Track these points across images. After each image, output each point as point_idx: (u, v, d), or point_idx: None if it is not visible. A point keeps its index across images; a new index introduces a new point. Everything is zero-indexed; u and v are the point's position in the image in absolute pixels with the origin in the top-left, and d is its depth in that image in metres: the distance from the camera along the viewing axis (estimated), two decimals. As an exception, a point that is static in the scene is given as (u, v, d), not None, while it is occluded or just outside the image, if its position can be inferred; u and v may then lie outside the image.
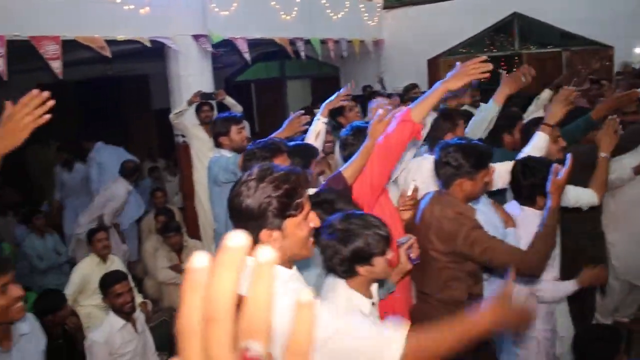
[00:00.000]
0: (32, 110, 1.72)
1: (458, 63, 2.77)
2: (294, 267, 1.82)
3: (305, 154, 3.18)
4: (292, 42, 8.03)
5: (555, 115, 3.36)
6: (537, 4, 9.01)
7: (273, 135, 3.74)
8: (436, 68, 9.80)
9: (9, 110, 1.75)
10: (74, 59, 6.12)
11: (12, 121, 1.71)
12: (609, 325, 4.17)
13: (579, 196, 3.35)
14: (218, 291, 0.45)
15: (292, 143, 3.27)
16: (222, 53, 7.36)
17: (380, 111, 2.75)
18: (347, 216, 2.15)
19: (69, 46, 5.06)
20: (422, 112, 2.74)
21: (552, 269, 3.03)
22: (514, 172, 3.09)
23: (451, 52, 9.89)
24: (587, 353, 2.71)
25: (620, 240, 4.24)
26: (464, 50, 10.02)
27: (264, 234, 1.69)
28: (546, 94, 4.99)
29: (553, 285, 3.04)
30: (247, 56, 7.13)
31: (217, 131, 4.48)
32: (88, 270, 4.85)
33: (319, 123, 3.83)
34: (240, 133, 4.40)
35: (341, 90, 3.99)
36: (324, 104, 3.93)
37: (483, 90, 5.50)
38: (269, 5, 7.69)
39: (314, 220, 1.79)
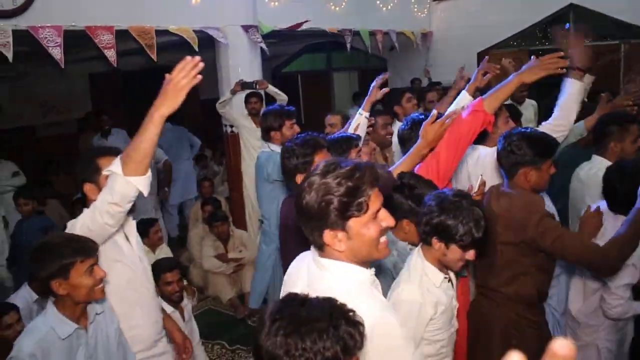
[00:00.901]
0: (187, 73, 1.96)
1: (533, 57, 2.74)
2: (372, 269, 1.73)
3: (342, 145, 3.15)
4: (341, 33, 7.97)
5: (582, 60, 3.20)
6: (594, -5, 8.70)
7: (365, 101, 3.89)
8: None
9: (168, 78, 2.01)
10: (125, 49, 6.21)
11: (170, 85, 1.97)
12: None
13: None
14: None
15: (331, 137, 3.23)
16: (270, 44, 7.36)
17: (435, 111, 2.72)
18: (462, 195, 2.22)
19: (120, 36, 5.13)
20: (495, 102, 2.75)
21: (627, 277, 2.81)
22: (608, 176, 2.94)
23: (501, 45, 9.65)
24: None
25: None
26: (514, 44, 9.76)
27: (327, 234, 1.61)
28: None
29: (623, 305, 2.83)
30: (305, 24, 7.00)
31: (269, 125, 4.42)
32: None
33: (360, 117, 3.81)
34: (292, 128, 4.36)
35: (374, 83, 3.92)
36: (364, 99, 3.90)
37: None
38: (318, -4, 7.65)
39: (386, 220, 1.66)
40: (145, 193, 2.13)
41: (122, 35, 5.19)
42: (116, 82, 10.39)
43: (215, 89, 6.74)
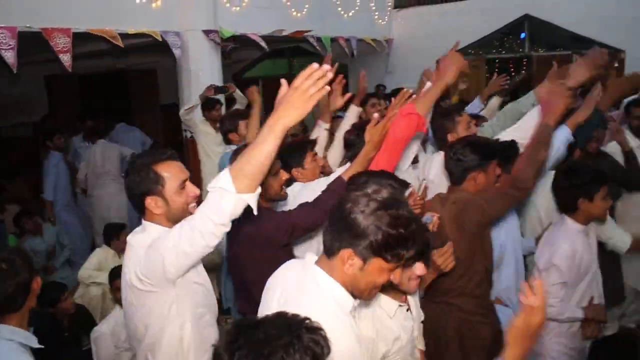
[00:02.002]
0: (315, 82, 1.74)
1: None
2: (357, 301, 1.73)
3: (297, 149, 3.20)
4: (303, 39, 8.01)
5: (577, 76, 3.17)
6: (548, 6, 8.95)
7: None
8: (445, 68, 9.73)
9: (285, 86, 1.81)
10: (82, 52, 6.11)
11: (297, 93, 1.74)
12: (624, 336, 4.13)
13: (614, 236, 3.32)
14: None
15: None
16: (231, 49, 7.34)
17: (376, 115, 2.78)
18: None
19: (77, 39, 5.04)
20: (425, 105, 2.93)
21: (554, 276, 2.87)
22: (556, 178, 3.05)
23: (463, 53, 9.84)
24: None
25: None
26: (472, 52, 9.97)
27: (346, 252, 1.61)
28: (495, 100, 5.03)
29: (557, 304, 2.88)
30: (263, 44, 7.06)
31: (227, 128, 4.62)
32: (103, 257, 4.85)
33: (320, 130, 3.90)
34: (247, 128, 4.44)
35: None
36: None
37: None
38: (279, 2, 7.66)
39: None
40: (256, 211, 1.86)
41: (80, 38, 5.11)
42: (73, 84, 10.18)
43: (175, 94, 6.69)
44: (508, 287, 3.09)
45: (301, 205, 2.70)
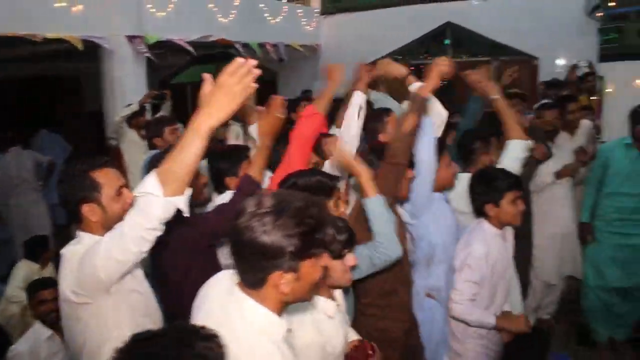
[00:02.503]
0: (241, 78, 1.58)
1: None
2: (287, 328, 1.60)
3: (232, 157, 3.15)
4: (231, 44, 7.99)
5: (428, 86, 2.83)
6: (468, 15, 9.34)
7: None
8: (372, 74, 9.93)
9: (210, 83, 1.64)
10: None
11: (222, 91, 1.59)
12: (537, 327, 4.31)
13: (508, 152, 3.26)
14: None
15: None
16: (158, 54, 7.23)
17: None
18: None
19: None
20: (323, 103, 3.31)
21: (466, 274, 2.90)
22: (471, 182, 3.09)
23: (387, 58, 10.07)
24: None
25: (539, 241, 4.42)
26: (399, 57, 10.22)
27: (274, 276, 1.46)
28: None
29: (464, 303, 2.87)
30: (191, 49, 7.03)
31: (152, 133, 4.55)
32: (29, 272, 4.65)
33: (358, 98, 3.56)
34: (173, 133, 4.42)
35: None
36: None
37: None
38: (206, 7, 7.62)
39: (350, 260, 1.75)
40: (187, 212, 1.81)
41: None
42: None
43: (100, 100, 6.53)
44: (438, 286, 3.11)
45: (219, 209, 2.68)
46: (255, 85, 1.62)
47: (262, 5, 8.87)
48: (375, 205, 2.46)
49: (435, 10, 9.64)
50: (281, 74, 10.89)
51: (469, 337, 2.96)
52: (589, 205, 4.33)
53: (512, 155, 3.18)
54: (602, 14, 4.50)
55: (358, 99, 3.40)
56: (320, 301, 2.04)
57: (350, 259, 2.09)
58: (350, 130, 3.36)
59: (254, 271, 1.49)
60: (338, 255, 2.04)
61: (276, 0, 9.55)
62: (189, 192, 1.77)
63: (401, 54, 10.16)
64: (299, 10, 9.90)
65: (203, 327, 1.29)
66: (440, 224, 3.04)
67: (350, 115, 3.40)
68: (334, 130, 3.80)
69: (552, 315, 4.81)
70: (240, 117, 4.03)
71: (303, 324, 1.91)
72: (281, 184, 2.50)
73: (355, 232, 2.21)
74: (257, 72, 1.61)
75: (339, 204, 2.49)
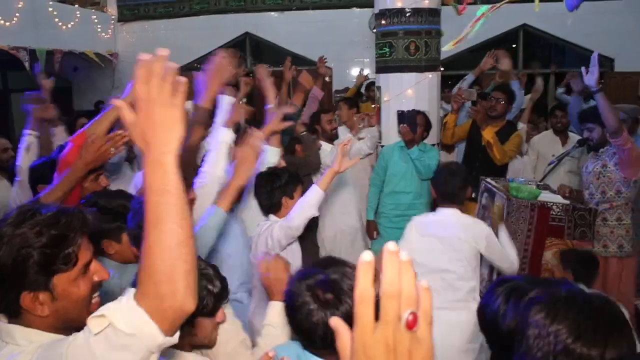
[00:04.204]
0: (162, 80, 1.13)
1: None
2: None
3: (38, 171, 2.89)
4: (15, 51, 7.39)
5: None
6: (267, 26, 9.71)
7: None
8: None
9: (125, 108, 1.16)
10: None
11: (152, 105, 1.13)
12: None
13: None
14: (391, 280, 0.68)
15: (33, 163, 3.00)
16: None
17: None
18: None
19: None
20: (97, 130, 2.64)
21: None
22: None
23: (188, 68, 10.03)
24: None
25: (329, 237, 4.85)
26: (200, 66, 10.24)
27: (25, 298, 1.28)
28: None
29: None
30: None
31: None
32: None
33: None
34: None
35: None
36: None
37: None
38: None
39: (98, 273, 1.39)
40: None
41: None
42: None
43: None
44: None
45: None
46: (184, 79, 1.18)
47: (52, 9, 8.33)
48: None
49: (235, 20, 9.85)
50: (75, 84, 10.30)
51: None
52: (373, 204, 4.77)
53: (267, 159, 3.42)
54: (375, 30, 4.97)
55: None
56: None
57: (220, 315, 1.81)
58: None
59: (5, 296, 1.30)
60: (210, 312, 1.76)
61: (68, 5, 9.04)
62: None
63: (202, 64, 10.18)
64: (93, 17, 9.45)
65: None
66: (229, 233, 3.12)
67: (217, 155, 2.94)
68: None
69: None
70: None
71: None
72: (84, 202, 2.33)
73: None
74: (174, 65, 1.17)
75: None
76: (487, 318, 1.64)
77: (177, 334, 1.16)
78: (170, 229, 1.09)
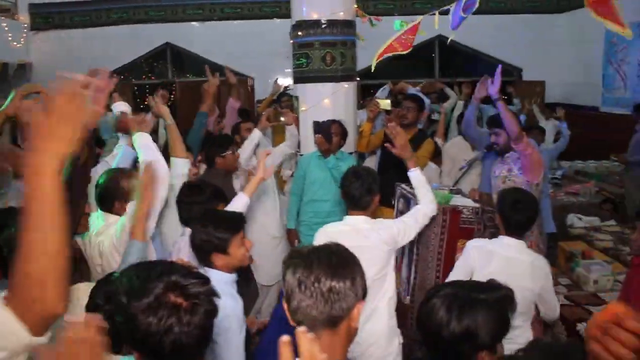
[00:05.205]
0: (72, 98, 1.22)
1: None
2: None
3: None
4: None
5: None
6: (188, 36, 9.64)
7: None
8: (93, 94, 9.60)
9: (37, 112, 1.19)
10: None
11: (52, 119, 1.19)
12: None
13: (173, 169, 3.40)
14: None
15: None
16: None
17: None
18: None
19: None
20: None
21: None
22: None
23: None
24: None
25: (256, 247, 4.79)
26: (122, 77, 10.03)
27: None
28: None
29: None
30: None
31: None
32: None
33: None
34: None
35: None
36: None
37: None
38: None
39: None
40: None
41: None
42: None
43: None
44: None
45: None
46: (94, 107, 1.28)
47: (-44, 16, 7.94)
48: None
49: (155, 30, 9.71)
50: (-14, 94, 9.85)
51: None
52: (294, 212, 4.82)
53: (177, 172, 3.30)
54: (292, 41, 5.03)
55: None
56: None
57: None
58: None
59: None
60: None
61: (-25, 12, 8.65)
62: None
63: (123, 74, 9.98)
64: (4, 24, 9.06)
65: None
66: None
67: None
68: None
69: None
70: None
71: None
72: None
73: None
74: (101, 83, 1.32)
75: None
76: (428, 326, 1.76)
77: (48, 334, 1.16)
78: (43, 237, 1.10)
